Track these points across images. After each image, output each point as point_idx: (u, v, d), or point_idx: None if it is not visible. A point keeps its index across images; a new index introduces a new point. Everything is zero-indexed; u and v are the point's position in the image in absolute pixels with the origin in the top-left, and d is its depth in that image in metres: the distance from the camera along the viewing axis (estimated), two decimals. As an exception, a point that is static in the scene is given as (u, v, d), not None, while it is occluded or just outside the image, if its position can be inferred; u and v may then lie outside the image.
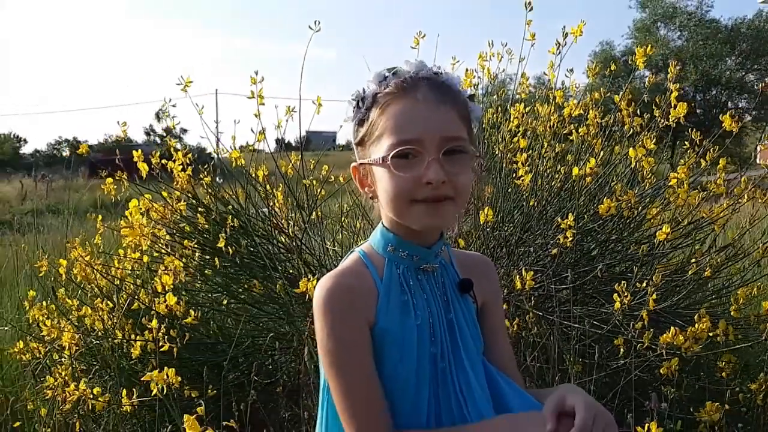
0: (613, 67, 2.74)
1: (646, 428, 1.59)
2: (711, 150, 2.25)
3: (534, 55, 2.61)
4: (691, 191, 2.00)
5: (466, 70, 2.79)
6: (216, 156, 2.51)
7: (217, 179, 2.67)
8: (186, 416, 1.25)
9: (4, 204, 26.87)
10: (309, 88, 2.45)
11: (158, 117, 45.37)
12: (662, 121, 2.41)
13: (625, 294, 1.76)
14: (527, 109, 2.65)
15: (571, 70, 2.77)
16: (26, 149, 51.12)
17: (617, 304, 1.77)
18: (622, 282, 1.77)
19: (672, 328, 1.70)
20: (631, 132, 2.35)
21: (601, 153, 2.38)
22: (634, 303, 1.86)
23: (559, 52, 2.43)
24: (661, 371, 1.80)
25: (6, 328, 3.02)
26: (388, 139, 1.03)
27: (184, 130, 41.79)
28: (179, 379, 1.74)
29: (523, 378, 1.37)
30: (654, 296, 1.76)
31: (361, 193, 1.17)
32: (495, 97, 3.06)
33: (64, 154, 49.70)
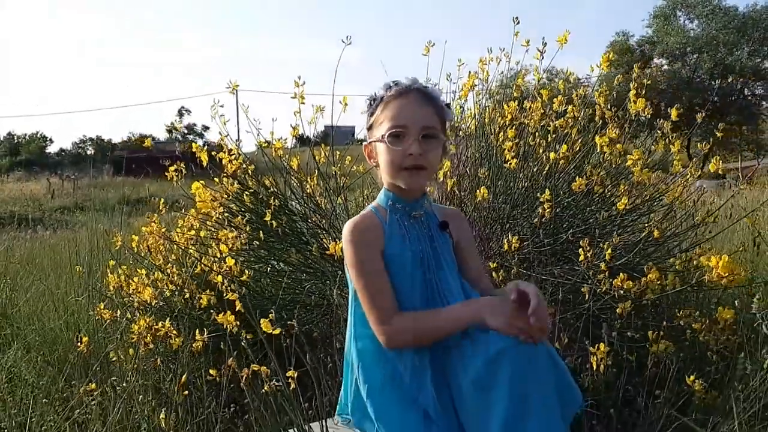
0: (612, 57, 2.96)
1: (596, 347, 2.10)
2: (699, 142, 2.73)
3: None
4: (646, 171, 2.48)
5: (469, 72, 3.28)
6: (259, 147, 3.02)
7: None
8: (262, 320, 1.78)
9: (34, 202, 27.68)
10: (326, 85, 2.92)
11: (180, 115, 46.22)
12: (635, 113, 2.85)
13: (588, 249, 2.25)
14: (530, 104, 3.09)
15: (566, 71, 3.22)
16: (52, 148, 52.09)
17: (581, 257, 2.26)
18: (585, 239, 2.26)
19: (621, 274, 2.19)
20: (600, 123, 2.81)
21: (579, 141, 2.86)
22: (598, 261, 2.35)
23: (542, 58, 2.90)
24: (617, 311, 2.28)
25: (80, 298, 3.57)
26: (386, 124, 1.59)
27: (205, 128, 42.70)
28: (238, 323, 2.27)
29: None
30: (609, 251, 2.24)
31: (373, 173, 1.72)
32: (496, 95, 3.54)
33: (88, 152, 50.62)
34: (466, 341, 1.49)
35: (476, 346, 1.44)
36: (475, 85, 3.27)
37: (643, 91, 2.78)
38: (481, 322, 1.46)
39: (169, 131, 45.77)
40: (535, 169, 2.70)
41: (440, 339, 1.53)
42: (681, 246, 2.72)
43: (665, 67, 27.33)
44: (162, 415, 2.15)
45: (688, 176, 2.53)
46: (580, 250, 2.27)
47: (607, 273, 2.30)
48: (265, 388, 1.84)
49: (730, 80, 26.54)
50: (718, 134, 2.72)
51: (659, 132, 2.96)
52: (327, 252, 2.41)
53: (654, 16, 27.69)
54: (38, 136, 51.42)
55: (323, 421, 1.80)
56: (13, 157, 46.63)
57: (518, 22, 2.84)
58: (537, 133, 2.93)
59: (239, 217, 2.75)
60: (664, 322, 2.22)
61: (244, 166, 2.97)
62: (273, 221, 2.66)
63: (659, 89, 25.56)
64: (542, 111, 2.96)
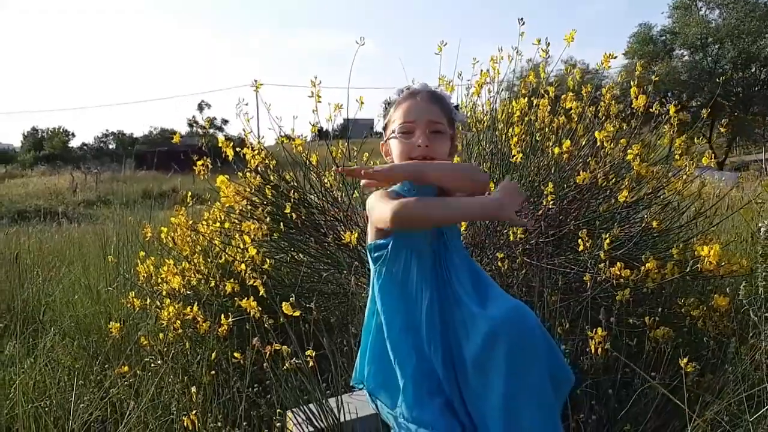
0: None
1: (594, 331, 2.24)
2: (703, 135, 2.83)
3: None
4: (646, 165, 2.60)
5: (481, 71, 3.41)
6: (280, 144, 3.18)
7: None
8: (284, 303, 1.95)
9: (58, 196, 28.15)
10: (344, 76, 3.06)
11: (200, 109, 46.57)
12: (638, 107, 2.96)
13: (587, 240, 2.39)
14: (538, 100, 3.22)
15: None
16: (74, 143, 52.63)
17: (581, 247, 2.40)
18: (584, 230, 2.40)
19: (618, 263, 2.32)
20: (605, 118, 2.93)
21: (584, 136, 2.98)
22: (598, 251, 2.48)
23: (548, 56, 3.02)
24: (617, 298, 2.41)
25: (110, 288, 3.77)
26: (398, 121, 1.78)
27: (225, 121, 42.97)
28: (260, 308, 2.44)
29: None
30: (608, 241, 2.38)
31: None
32: (505, 91, 3.68)
33: (110, 146, 51.16)
34: (465, 318, 1.64)
35: (473, 325, 1.59)
36: (487, 83, 3.39)
37: (650, 87, 2.90)
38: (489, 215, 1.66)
39: (190, 125, 46.16)
40: (542, 163, 2.83)
41: (447, 220, 1.69)
42: (682, 236, 2.83)
43: (686, 58, 27.14)
44: (193, 391, 2.32)
45: (688, 169, 2.64)
46: (580, 240, 2.41)
47: (607, 262, 2.44)
48: (286, 365, 2.00)
49: (753, 70, 26.25)
50: (722, 130, 2.82)
51: (665, 127, 3.06)
52: (342, 242, 2.56)
53: (674, 6, 27.47)
54: (61, 130, 52.04)
55: (339, 397, 1.97)
56: (37, 151, 47.33)
57: (523, 23, 2.96)
58: (547, 129, 3.06)
59: (260, 209, 2.92)
60: (660, 309, 2.35)
61: (266, 161, 3.14)
62: (292, 213, 2.82)
63: (680, 80, 25.41)
64: (549, 107, 3.08)
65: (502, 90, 3.58)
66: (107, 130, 54.55)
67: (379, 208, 1.65)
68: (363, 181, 1.75)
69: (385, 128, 1.87)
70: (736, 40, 25.21)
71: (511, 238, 2.58)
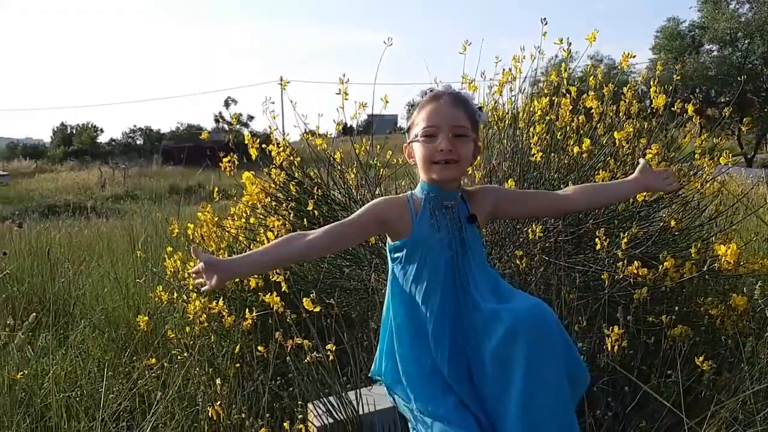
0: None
1: (610, 330, 2.26)
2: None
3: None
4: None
5: (503, 69, 3.44)
6: (306, 142, 3.25)
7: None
8: (305, 299, 2.01)
9: (86, 191, 28.60)
10: (369, 70, 3.10)
11: (227, 105, 46.90)
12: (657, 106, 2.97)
13: (604, 239, 2.42)
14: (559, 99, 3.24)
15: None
16: (102, 138, 53.28)
17: (598, 245, 2.42)
18: (601, 229, 2.43)
19: (635, 261, 2.35)
20: (625, 118, 2.95)
21: (605, 135, 3.00)
22: (616, 250, 2.50)
23: (572, 56, 3.04)
24: (634, 297, 2.43)
25: (140, 281, 3.87)
26: (421, 124, 1.78)
27: (251, 117, 43.26)
28: (283, 303, 2.51)
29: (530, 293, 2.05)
30: (626, 240, 2.40)
31: (412, 171, 1.93)
32: (528, 89, 3.70)
33: (138, 142, 51.75)
34: (485, 320, 1.68)
35: (493, 322, 1.63)
36: (509, 81, 3.42)
37: (671, 87, 2.90)
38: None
39: (217, 121, 46.54)
40: (563, 162, 2.85)
41: None
42: (702, 235, 2.84)
43: (715, 53, 26.67)
44: (218, 382, 2.39)
45: (707, 169, 2.65)
46: (597, 239, 2.43)
47: (625, 261, 2.46)
48: (308, 358, 2.06)
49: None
50: (744, 129, 2.82)
51: (687, 126, 3.07)
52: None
53: (703, 1, 26.99)
54: (89, 126, 52.77)
55: (358, 390, 2.03)
56: (66, 147, 48.08)
57: (546, 23, 2.99)
58: (569, 127, 3.08)
59: (285, 205, 2.98)
60: (676, 308, 2.36)
61: (291, 157, 3.20)
62: (315, 210, 2.88)
63: (708, 76, 24.98)
64: (571, 107, 3.10)
65: (524, 84, 3.59)
66: (135, 126, 55.14)
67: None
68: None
69: (408, 130, 1.87)
70: (767, 35, 24.71)
71: (530, 236, 2.61)
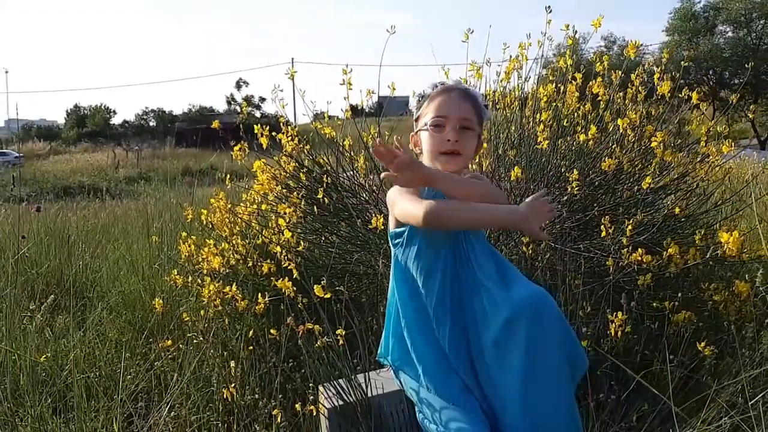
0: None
1: (613, 315, 2.32)
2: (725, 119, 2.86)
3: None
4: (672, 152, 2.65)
5: (510, 56, 3.46)
6: (315, 130, 3.30)
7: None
8: (315, 285, 2.08)
9: (100, 172, 28.82)
10: (380, 51, 3.09)
11: (238, 87, 46.98)
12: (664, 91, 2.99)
13: (609, 225, 2.46)
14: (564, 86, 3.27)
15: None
16: (115, 120, 53.59)
17: (603, 233, 2.47)
18: (606, 217, 2.47)
19: (639, 248, 2.39)
20: (631, 104, 2.97)
21: (611, 122, 3.03)
22: (621, 237, 2.55)
23: (582, 38, 3.06)
24: (638, 283, 2.48)
25: (155, 266, 3.95)
26: (430, 114, 1.86)
27: (262, 99, 43.32)
28: (294, 288, 2.57)
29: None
30: (630, 227, 2.44)
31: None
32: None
33: (151, 124, 51.97)
34: (486, 305, 1.73)
35: (495, 308, 1.69)
36: (516, 69, 3.44)
37: (678, 74, 2.91)
38: (513, 224, 1.68)
39: (228, 103, 46.63)
40: (571, 148, 2.89)
41: (474, 223, 1.76)
42: (707, 222, 2.88)
43: (729, 34, 26.35)
44: (232, 365, 2.47)
45: (710, 157, 2.68)
46: (602, 226, 2.48)
47: (630, 248, 2.50)
48: (318, 343, 2.13)
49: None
50: (751, 115, 2.85)
51: (694, 111, 3.09)
52: (369, 225, 2.68)
53: (717, -19, 26.62)
54: (102, 107, 53.01)
55: (367, 373, 2.09)
56: (80, 128, 48.39)
57: (551, 11, 3.01)
58: (576, 114, 3.11)
59: (295, 193, 3.04)
60: (680, 294, 2.41)
61: (300, 145, 3.25)
62: (324, 198, 2.94)
63: (722, 57, 24.75)
64: (578, 94, 3.13)
65: (534, 69, 3.61)
66: (147, 108, 55.40)
67: (409, 206, 1.73)
68: (383, 174, 1.77)
69: (416, 120, 1.95)
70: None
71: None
